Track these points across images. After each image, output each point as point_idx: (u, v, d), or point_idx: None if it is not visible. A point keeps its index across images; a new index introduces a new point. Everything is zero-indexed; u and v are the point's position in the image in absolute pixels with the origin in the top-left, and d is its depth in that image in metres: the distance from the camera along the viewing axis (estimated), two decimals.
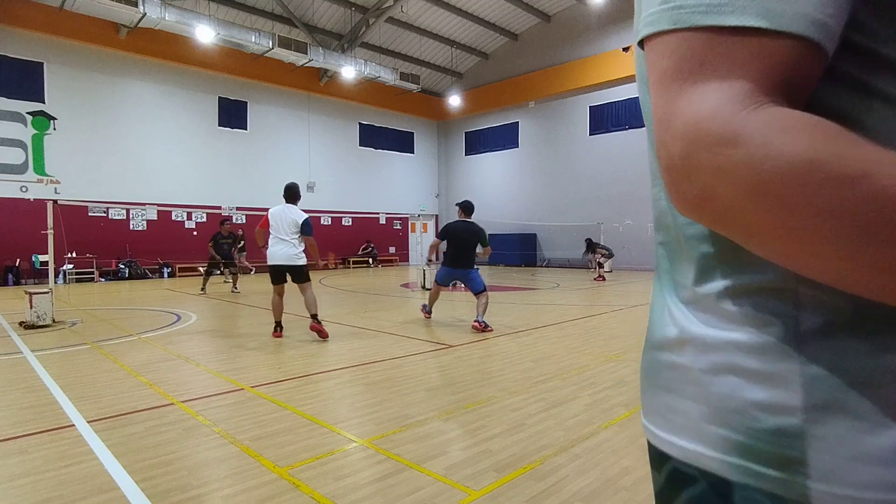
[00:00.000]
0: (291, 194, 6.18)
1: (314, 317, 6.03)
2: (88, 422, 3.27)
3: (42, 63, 14.71)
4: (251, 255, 14.99)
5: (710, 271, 0.50)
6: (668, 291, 0.57)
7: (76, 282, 14.75)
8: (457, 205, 7.20)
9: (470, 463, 2.63)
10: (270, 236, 6.04)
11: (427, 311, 7.58)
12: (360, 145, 22.68)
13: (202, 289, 11.47)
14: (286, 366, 4.76)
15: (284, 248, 5.96)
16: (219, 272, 12.23)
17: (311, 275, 6.26)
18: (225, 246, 11.51)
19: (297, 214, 6.02)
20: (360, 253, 21.67)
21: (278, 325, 6.22)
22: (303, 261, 6.06)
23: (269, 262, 6.05)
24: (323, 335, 5.95)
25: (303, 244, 6.05)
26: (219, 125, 18.36)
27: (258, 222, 6.32)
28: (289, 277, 6.12)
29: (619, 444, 2.85)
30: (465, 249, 6.79)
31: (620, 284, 13.17)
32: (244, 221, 18.29)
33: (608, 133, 19.40)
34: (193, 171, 17.62)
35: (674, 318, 0.54)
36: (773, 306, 0.46)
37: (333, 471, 2.55)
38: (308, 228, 5.99)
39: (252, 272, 11.93)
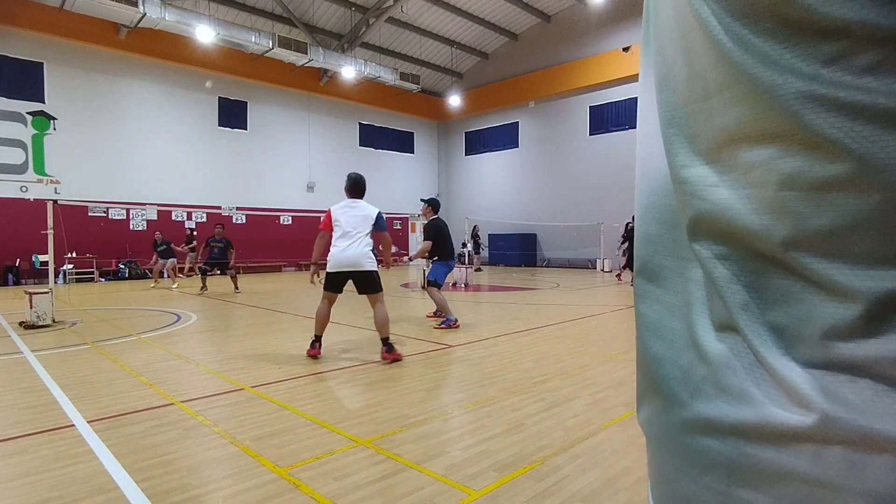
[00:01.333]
0: (358, 187, 5.14)
1: (386, 342, 4.91)
2: (88, 422, 3.26)
3: (42, 63, 14.72)
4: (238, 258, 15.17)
5: None
6: (757, 339, 0.34)
7: (76, 282, 14.75)
8: (429, 201, 7.25)
9: (470, 463, 2.63)
10: (333, 239, 5.00)
11: (453, 320, 6.68)
12: (360, 145, 22.70)
13: (203, 287, 11.55)
14: (286, 366, 4.76)
15: (353, 249, 4.87)
16: (218, 272, 12.31)
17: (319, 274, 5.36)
18: (215, 249, 11.76)
19: (368, 209, 5.05)
20: None
21: (318, 341, 5.05)
22: (374, 264, 5.01)
23: (332, 269, 4.93)
24: (397, 360, 4.91)
25: (371, 244, 5.08)
26: (219, 125, 18.37)
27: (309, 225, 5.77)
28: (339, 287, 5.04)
29: (619, 444, 2.85)
30: (451, 240, 7.20)
31: (620, 285, 13.17)
32: (244, 221, 18.33)
33: (608, 133, 19.40)
34: (193, 171, 17.63)
35: (790, 389, 0.33)
36: None
37: (333, 471, 2.55)
38: (383, 223, 5.07)
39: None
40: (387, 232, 5.17)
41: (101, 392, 3.92)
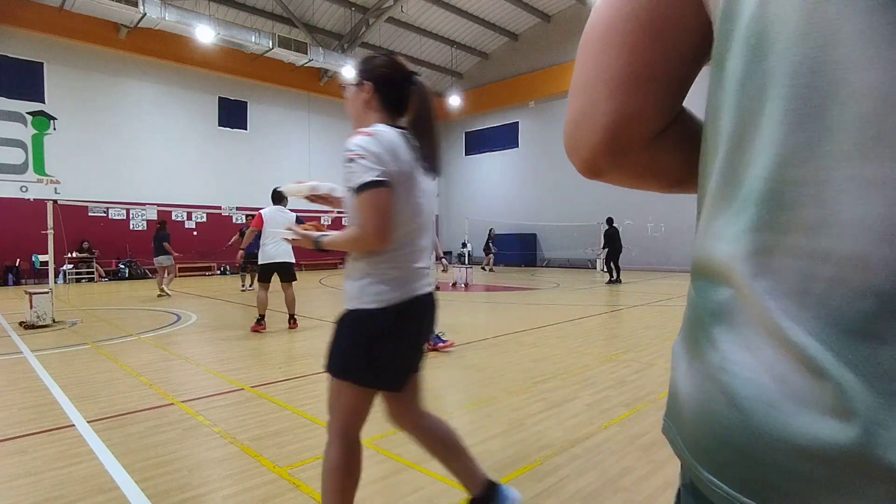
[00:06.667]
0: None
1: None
2: (88, 422, 3.26)
3: (42, 63, 14.71)
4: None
5: None
6: None
7: (76, 282, 14.75)
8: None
9: None
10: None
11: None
12: None
13: (250, 285, 11.82)
14: (286, 366, 4.76)
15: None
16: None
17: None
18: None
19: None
20: None
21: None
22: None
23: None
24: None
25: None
26: (219, 125, 18.37)
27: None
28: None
29: (619, 444, 2.85)
30: None
31: (622, 284, 13.16)
32: (243, 221, 18.31)
33: None
34: (193, 171, 17.62)
35: None
36: None
37: None
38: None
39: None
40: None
41: (102, 392, 3.92)
